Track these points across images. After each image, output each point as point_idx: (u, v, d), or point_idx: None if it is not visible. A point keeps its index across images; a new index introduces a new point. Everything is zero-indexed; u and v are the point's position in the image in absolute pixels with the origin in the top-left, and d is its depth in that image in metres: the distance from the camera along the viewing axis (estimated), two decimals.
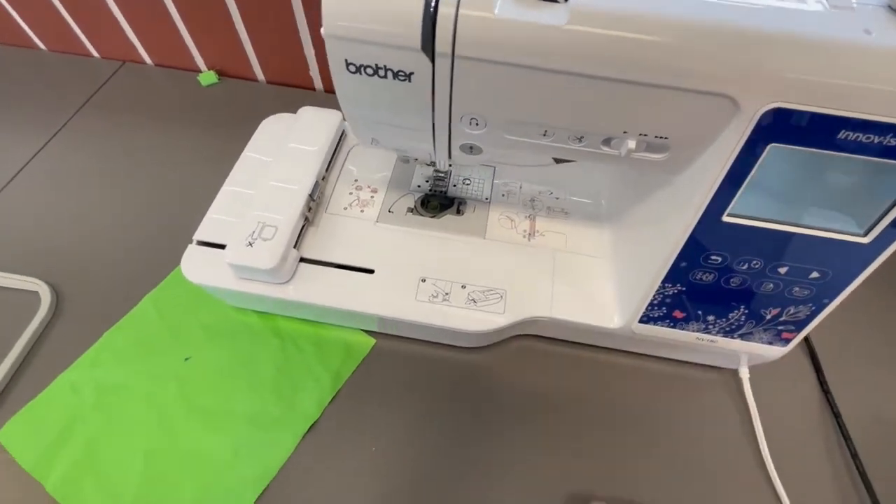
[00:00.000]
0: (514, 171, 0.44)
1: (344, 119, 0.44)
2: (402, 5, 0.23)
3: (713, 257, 0.30)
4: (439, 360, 0.41)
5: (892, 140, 0.23)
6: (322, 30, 0.27)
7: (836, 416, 0.40)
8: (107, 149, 0.56)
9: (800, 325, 0.33)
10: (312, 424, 0.37)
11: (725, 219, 0.28)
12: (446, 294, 0.37)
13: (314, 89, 0.64)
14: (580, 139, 0.28)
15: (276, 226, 0.37)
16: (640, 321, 0.35)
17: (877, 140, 0.23)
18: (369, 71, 0.26)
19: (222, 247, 0.39)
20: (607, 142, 0.28)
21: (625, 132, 0.27)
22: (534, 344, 0.42)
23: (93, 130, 0.58)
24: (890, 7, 0.24)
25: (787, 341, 0.35)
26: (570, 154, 0.30)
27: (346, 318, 0.40)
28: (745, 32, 0.22)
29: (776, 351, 0.36)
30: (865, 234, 0.27)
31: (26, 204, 0.51)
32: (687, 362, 0.42)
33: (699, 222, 0.29)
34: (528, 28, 0.23)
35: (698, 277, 0.32)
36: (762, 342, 0.35)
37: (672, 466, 0.38)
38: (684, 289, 0.32)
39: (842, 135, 0.23)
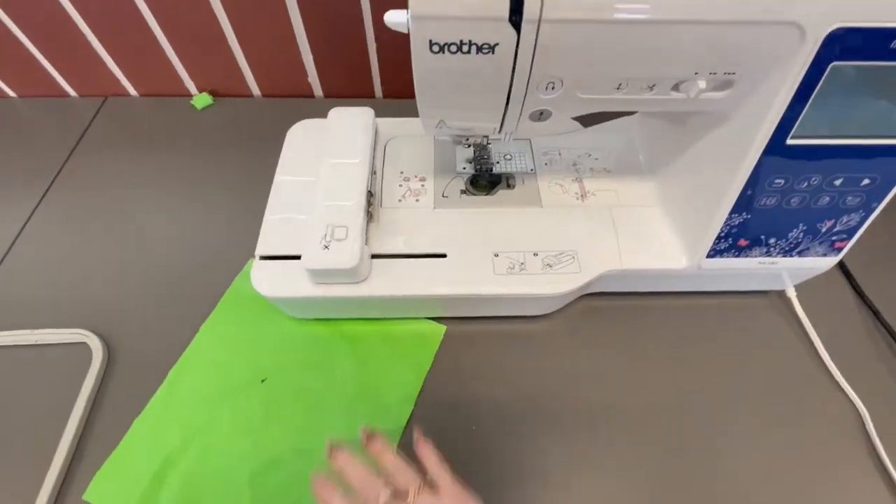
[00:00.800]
0: (550, 141, 0.46)
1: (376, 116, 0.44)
2: None
3: (777, 181, 0.33)
4: (512, 333, 0.42)
5: None
6: (396, 21, 0.28)
7: (876, 313, 0.44)
8: (111, 189, 0.53)
9: (851, 232, 0.36)
10: (408, 420, 0.37)
11: (790, 142, 0.30)
12: (522, 264, 0.38)
13: (314, 96, 0.63)
14: (652, 88, 0.29)
15: (346, 225, 0.36)
16: (708, 256, 0.38)
17: None
18: (453, 48, 0.27)
19: (285, 258, 0.38)
20: (677, 87, 0.30)
21: (696, 73, 0.28)
22: (593, 303, 0.44)
23: (90, 173, 0.55)
24: None
25: (840, 250, 0.38)
26: (638, 105, 0.31)
27: (417, 308, 0.41)
28: None
29: (828, 262, 0.39)
30: None
31: (39, 258, 0.48)
32: (736, 292, 0.45)
33: (765, 150, 0.31)
34: None
35: (762, 203, 0.34)
36: (817, 255, 0.38)
37: (744, 389, 0.40)
38: (749, 216, 0.35)
39: (894, 44, 0.26)
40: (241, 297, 0.43)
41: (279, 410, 0.38)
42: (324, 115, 0.47)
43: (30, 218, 0.51)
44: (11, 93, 0.62)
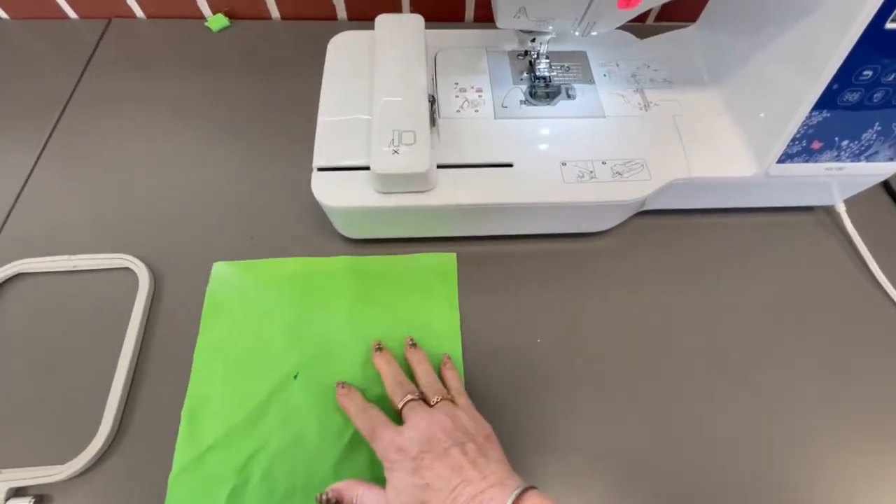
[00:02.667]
0: (606, 53, 0.44)
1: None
2: None
3: (866, 72, 0.32)
4: (565, 252, 0.42)
5: None
6: None
7: None
8: (127, 114, 0.50)
9: None
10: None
11: (888, 25, 0.29)
12: (591, 172, 0.37)
13: (336, 19, 0.60)
14: None
15: (413, 130, 0.34)
16: (778, 161, 0.37)
17: None
18: None
19: (346, 169, 0.36)
20: None
21: None
22: (646, 221, 0.44)
23: (103, 99, 0.51)
24: None
25: None
26: None
27: (480, 222, 0.39)
28: None
29: (893, 167, 0.39)
30: None
31: (61, 185, 0.45)
32: (786, 209, 0.45)
33: (861, 37, 0.30)
34: None
35: (845, 99, 0.33)
36: (884, 160, 0.38)
37: (798, 304, 0.41)
38: (829, 115, 0.34)
39: None
40: (222, 305, 0.38)
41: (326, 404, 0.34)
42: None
43: (45, 146, 0.47)
44: (3, 14, 0.57)
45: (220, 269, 0.40)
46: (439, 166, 0.37)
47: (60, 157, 0.47)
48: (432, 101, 0.37)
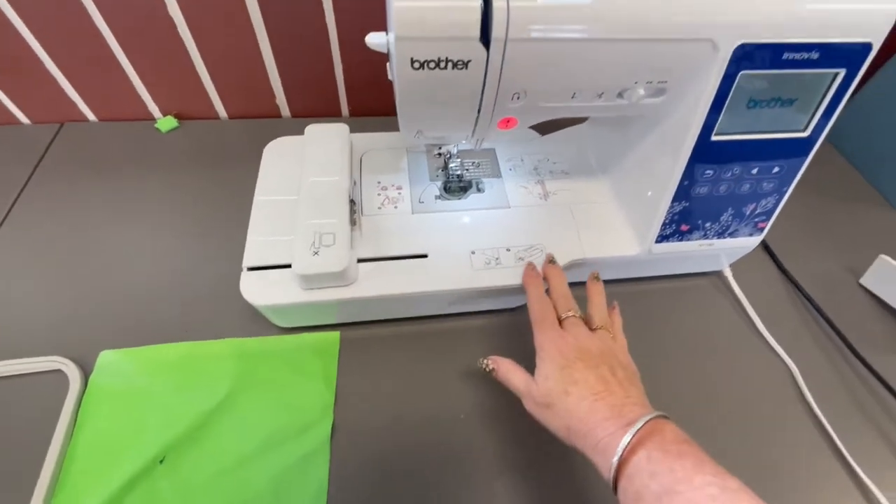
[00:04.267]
0: (512, 148, 0.51)
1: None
2: (463, 3, 0.28)
3: (707, 172, 0.38)
4: (481, 328, 0.45)
5: (814, 54, 0.33)
6: (377, 42, 0.31)
7: (797, 286, 0.51)
8: (73, 215, 0.52)
9: (769, 213, 0.43)
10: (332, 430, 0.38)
11: (714, 138, 0.36)
12: (497, 259, 0.42)
13: (281, 117, 0.65)
14: (600, 96, 0.34)
15: (333, 231, 0.39)
16: (657, 241, 0.43)
17: (805, 56, 0.33)
18: (431, 65, 0.30)
19: (275, 267, 0.40)
20: (621, 94, 0.35)
21: (635, 82, 0.34)
22: None
23: (49, 201, 0.53)
24: None
25: (762, 230, 0.44)
26: (589, 111, 0.36)
27: (401, 308, 0.43)
28: None
29: (754, 241, 0.45)
30: (805, 129, 0.37)
31: (2, 287, 0.46)
32: (684, 275, 0.51)
33: (695, 147, 0.37)
34: (564, 9, 0.29)
35: (697, 192, 0.40)
36: (745, 235, 0.44)
37: (693, 357, 0.46)
38: (687, 204, 0.41)
39: (785, 56, 0.32)
40: (103, 394, 0.40)
41: (192, 492, 0.36)
42: (292, 134, 0.49)
43: None
44: None
45: (107, 358, 0.41)
46: (360, 260, 0.41)
47: (2, 261, 0.48)
48: (353, 203, 0.42)
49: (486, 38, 0.29)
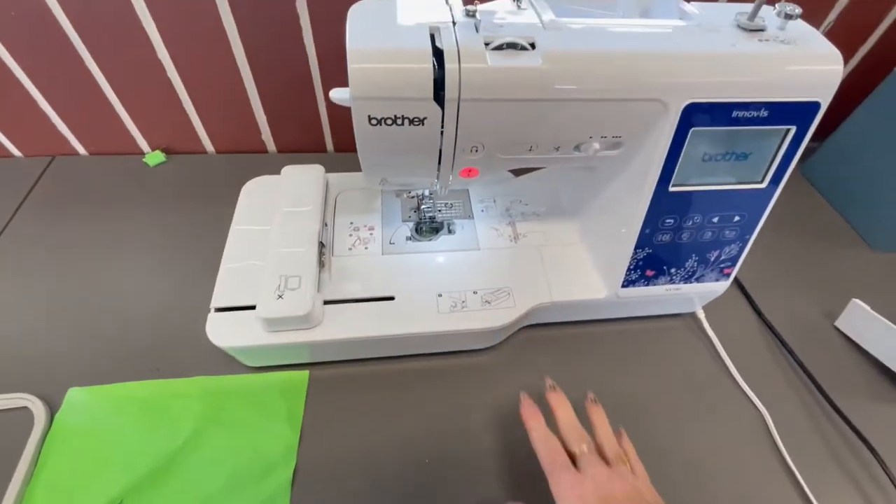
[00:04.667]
0: (485, 190, 0.51)
1: (326, 172, 0.49)
2: (415, 66, 0.29)
3: (668, 220, 0.39)
4: (459, 367, 0.45)
5: (763, 112, 0.34)
6: (340, 97, 0.32)
7: (771, 328, 0.51)
8: (59, 249, 0.53)
9: (734, 259, 0.43)
10: (295, 472, 0.38)
11: (671, 189, 0.37)
12: (463, 302, 0.42)
13: (267, 152, 0.67)
14: (557, 149, 0.35)
15: (299, 275, 0.39)
16: (623, 286, 0.43)
17: (755, 114, 0.34)
18: (388, 122, 0.31)
19: (243, 308, 0.40)
20: (578, 147, 0.36)
21: (590, 137, 0.35)
22: (536, 333, 0.49)
23: (37, 233, 0.54)
24: (739, 26, 0.35)
25: (728, 276, 0.45)
26: (549, 162, 0.37)
27: (368, 349, 0.43)
28: (662, 56, 0.32)
29: (722, 286, 0.46)
30: (762, 181, 0.38)
31: None
32: (656, 316, 0.51)
33: (653, 196, 0.37)
34: (514, 71, 0.30)
35: (659, 239, 0.40)
36: (711, 280, 0.45)
37: (664, 400, 0.45)
38: (651, 251, 0.41)
39: (734, 114, 0.33)
40: (68, 433, 0.40)
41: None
42: (277, 170, 0.50)
43: None
44: None
45: (74, 395, 0.41)
46: (327, 302, 0.41)
47: None
48: (322, 245, 0.43)
49: (440, 97, 0.31)
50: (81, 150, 0.63)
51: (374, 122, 0.31)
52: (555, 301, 0.44)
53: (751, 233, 0.41)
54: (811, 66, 0.33)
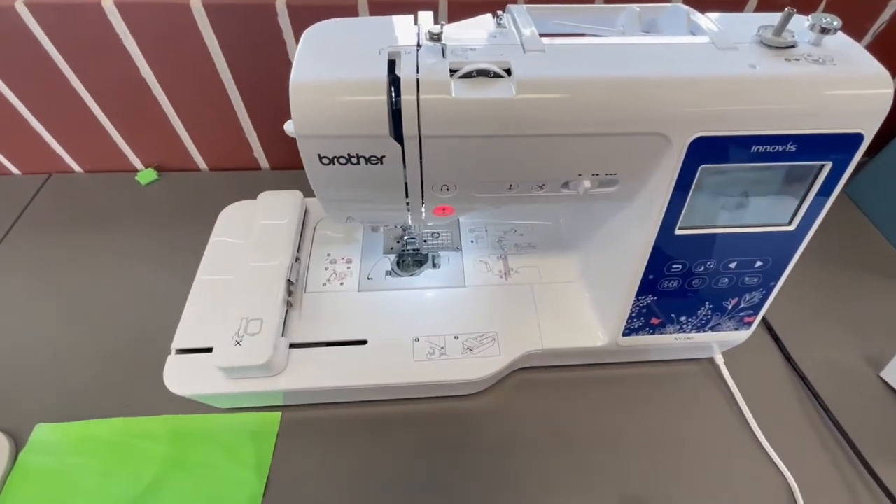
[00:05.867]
0: (477, 216, 0.47)
1: (305, 197, 0.45)
2: (367, 99, 0.26)
3: (675, 266, 0.34)
4: (444, 411, 0.41)
5: (791, 147, 0.28)
6: (292, 130, 0.29)
7: (804, 378, 0.45)
8: (47, 269, 0.52)
9: (756, 308, 0.37)
10: None
11: (678, 232, 0.32)
12: (442, 348, 0.38)
13: (260, 168, 0.65)
14: (542, 186, 0.31)
15: (261, 318, 0.36)
16: (623, 334, 0.38)
17: (780, 148, 0.28)
18: (342, 161, 0.28)
19: (205, 350, 0.38)
20: (566, 185, 0.31)
21: (579, 175, 0.30)
22: (530, 376, 0.44)
23: (28, 252, 0.54)
24: (762, 42, 0.29)
25: (750, 325, 0.39)
26: (534, 200, 0.33)
27: (339, 395, 0.40)
28: (663, 82, 0.26)
29: (742, 335, 0.40)
30: (790, 223, 0.32)
31: None
32: (668, 361, 0.46)
33: (657, 239, 0.32)
34: (484, 104, 0.26)
35: (665, 285, 0.35)
36: (729, 329, 0.39)
37: (675, 458, 0.40)
38: (656, 298, 0.36)
39: (754, 149, 0.28)
40: (30, 471, 0.38)
41: None
42: (270, 186, 0.48)
43: None
44: None
45: (41, 432, 0.40)
46: (294, 345, 0.38)
47: None
48: (290, 283, 0.39)
49: (399, 132, 0.27)
50: (77, 167, 0.63)
51: (325, 161, 0.28)
52: (546, 348, 0.39)
53: (776, 279, 0.35)
54: (852, 90, 0.27)
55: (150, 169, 0.62)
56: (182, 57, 0.51)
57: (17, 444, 0.40)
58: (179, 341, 0.38)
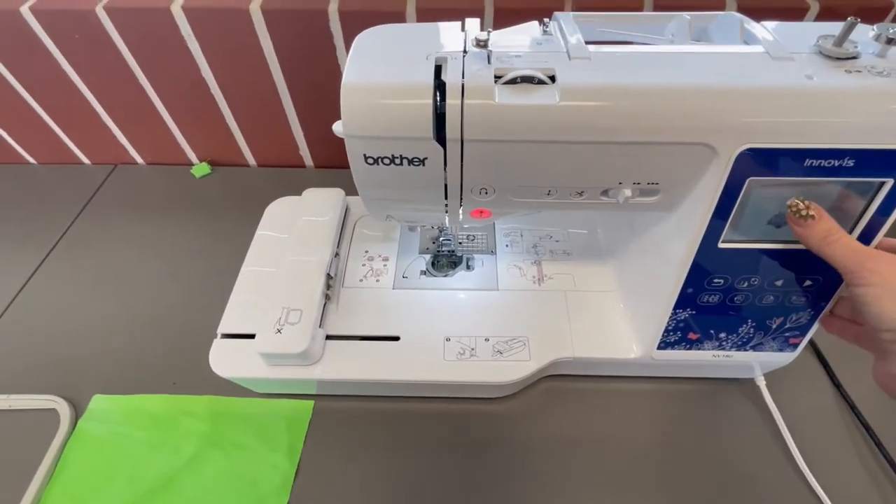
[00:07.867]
0: (513, 221, 0.47)
1: (346, 195, 0.47)
2: (413, 102, 0.27)
3: (716, 280, 0.33)
4: (469, 413, 0.42)
5: (848, 162, 0.27)
6: (341, 131, 0.30)
7: (853, 407, 0.42)
8: (109, 253, 0.57)
9: (803, 329, 0.36)
10: None
11: (721, 245, 0.31)
12: (472, 350, 0.39)
13: (305, 166, 0.67)
14: (581, 193, 0.31)
15: (301, 309, 0.38)
16: (658, 348, 0.37)
17: (836, 163, 0.27)
18: (386, 161, 0.29)
19: (248, 336, 0.40)
20: (605, 192, 0.31)
21: (620, 183, 0.30)
22: (559, 384, 0.44)
23: (93, 236, 0.58)
24: (821, 53, 0.28)
25: (795, 346, 0.37)
26: (573, 206, 0.33)
27: (370, 388, 0.41)
28: (712, 90, 0.26)
29: (787, 357, 0.38)
30: None
31: (34, 319, 0.51)
32: (703, 378, 0.44)
33: (698, 252, 0.31)
34: (527, 110, 0.26)
35: (705, 300, 0.34)
36: (773, 350, 0.37)
37: (709, 478, 0.39)
38: (694, 312, 0.35)
39: (807, 162, 0.27)
40: (88, 439, 0.41)
41: None
42: (313, 183, 0.50)
43: (27, 281, 0.54)
44: (32, 160, 0.68)
45: (98, 402, 0.43)
46: (331, 337, 0.40)
47: (43, 289, 0.53)
48: (330, 277, 0.41)
49: (442, 136, 0.27)
50: (139, 159, 0.68)
51: (370, 161, 0.29)
52: (577, 357, 0.39)
53: (827, 299, 0.34)
54: None
55: (204, 163, 0.66)
56: (239, 59, 0.54)
57: (77, 412, 0.44)
58: (225, 326, 0.40)
